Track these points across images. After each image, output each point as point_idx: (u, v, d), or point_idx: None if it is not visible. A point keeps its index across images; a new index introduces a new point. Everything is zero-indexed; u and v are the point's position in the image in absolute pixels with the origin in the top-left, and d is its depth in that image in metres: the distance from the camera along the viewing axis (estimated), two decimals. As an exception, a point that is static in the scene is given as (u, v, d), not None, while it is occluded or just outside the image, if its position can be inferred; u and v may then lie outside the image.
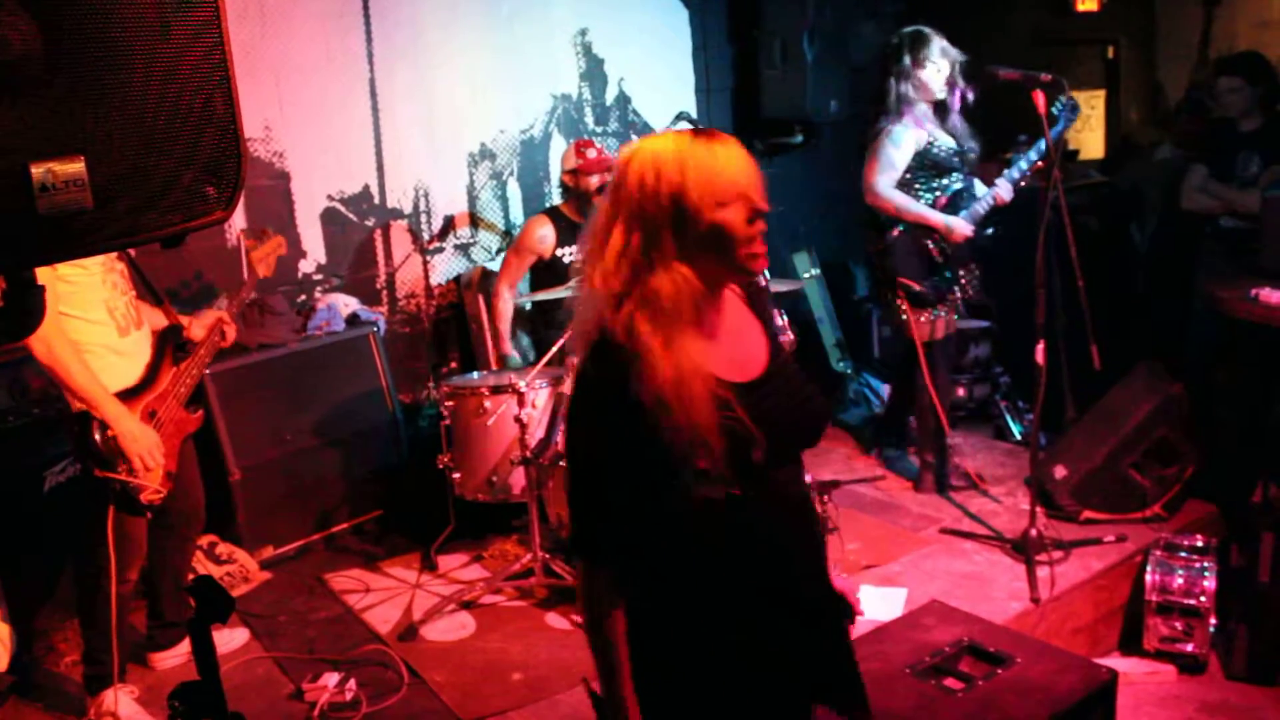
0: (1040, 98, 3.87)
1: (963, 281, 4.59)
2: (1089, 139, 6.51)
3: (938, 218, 4.44)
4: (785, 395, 1.76)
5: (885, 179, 4.44)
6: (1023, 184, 4.66)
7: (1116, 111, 6.47)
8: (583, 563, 1.76)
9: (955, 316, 4.63)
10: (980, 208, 4.45)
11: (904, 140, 4.42)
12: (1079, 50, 6.43)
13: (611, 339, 1.65)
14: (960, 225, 4.42)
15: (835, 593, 1.89)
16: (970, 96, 4.49)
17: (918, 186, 4.49)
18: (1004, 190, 4.44)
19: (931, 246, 4.48)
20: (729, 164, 1.66)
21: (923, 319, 4.52)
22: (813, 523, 1.89)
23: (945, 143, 4.48)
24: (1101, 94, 6.48)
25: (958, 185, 4.49)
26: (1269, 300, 3.90)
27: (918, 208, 4.45)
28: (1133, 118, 6.46)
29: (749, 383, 1.72)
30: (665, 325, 1.63)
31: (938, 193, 4.50)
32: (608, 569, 1.72)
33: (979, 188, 4.53)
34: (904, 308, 4.52)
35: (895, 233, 4.50)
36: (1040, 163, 4.32)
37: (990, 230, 4.57)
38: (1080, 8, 6.05)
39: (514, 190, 5.54)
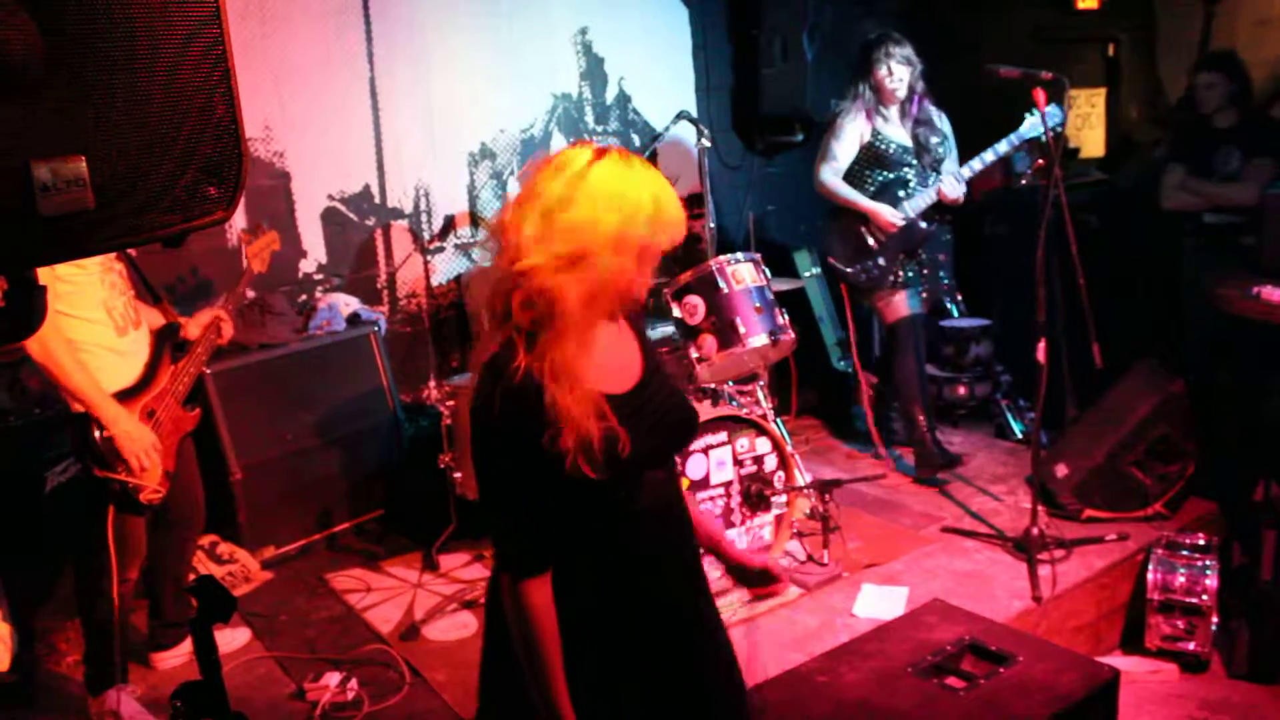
0: (1041, 96, 3.88)
1: (925, 272, 4.78)
2: (1089, 137, 6.51)
3: (865, 203, 4.65)
4: (655, 405, 1.86)
5: (827, 168, 4.72)
6: (1023, 182, 4.68)
7: (1117, 109, 6.47)
8: (513, 578, 1.76)
9: (908, 299, 4.75)
10: (922, 200, 4.62)
11: (845, 134, 4.69)
12: (1079, 48, 6.43)
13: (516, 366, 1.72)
14: (887, 212, 4.61)
15: (706, 583, 2.02)
16: (927, 103, 4.72)
17: (866, 176, 4.71)
18: (948, 186, 4.58)
19: (864, 232, 4.68)
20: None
21: (876, 303, 4.81)
22: (686, 522, 1.99)
23: (894, 139, 4.67)
24: (1102, 92, 6.48)
25: (908, 178, 4.68)
26: (1271, 298, 3.90)
27: (847, 193, 4.68)
28: (1133, 115, 6.46)
29: (623, 394, 1.81)
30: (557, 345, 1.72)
31: (882, 184, 4.69)
32: (542, 576, 1.76)
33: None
34: (842, 291, 4.88)
35: (832, 214, 4.80)
36: (1040, 161, 4.32)
37: (932, 224, 4.69)
38: (1081, 5, 6.05)
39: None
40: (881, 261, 4.66)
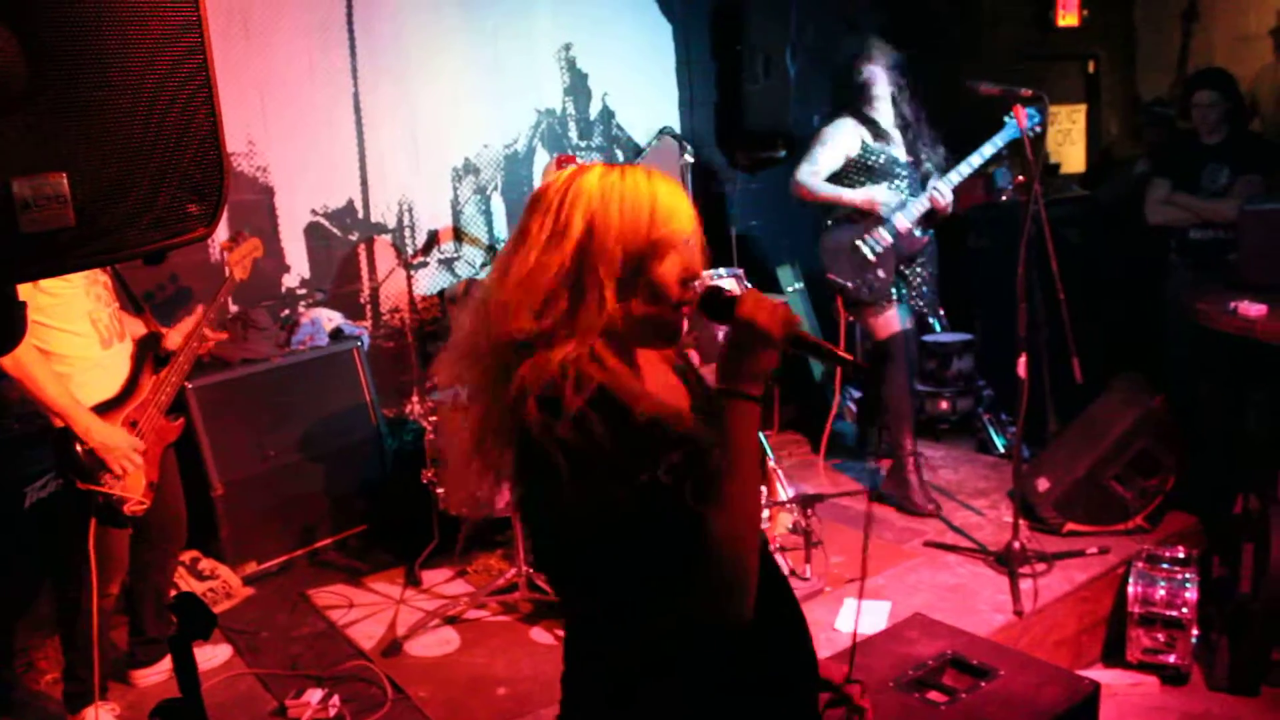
0: (1021, 113, 3.90)
1: (915, 282, 4.68)
2: (1070, 153, 6.56)
3: (848, 194, 4.51)
4: None
5: (805, 168, 4.56)
6: (1004, 198, 4.68)
7: (1097, 126, 6.52)
8: None
9: (900, 314, 4.64)
10: (915, 208, 4.51)
11: (830, 141, 4.54)
12: (1060, 65, 6.48)
13: None
14: (879, 193, 4.48)
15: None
16: (918, 112, 4.61)
17: (855, 183, 4.56)
18: (939, 195, 4.47)
19: (861, 245, 4.52)
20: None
21: (868, 318, 4.64)
22: None
23: (884, 150, 4.54)
24: (1082, 108, 6.53)
25: (901, 187, 4.54)
26: (1247, 313, 3.93)
27: (826, 189, 4.53)
28: (1112, 132, 6.52)
29: None
30: None
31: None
32: None
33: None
34: (838, 306, 4.64)
35: (826, 228, 4.63)
36: (1020, 177, 4.35)
37: (930, 232, 4.63)
38: (1061, 23, 6.11)
39: (498, 205, 5.55)
40: (881, 274, 4.52)
